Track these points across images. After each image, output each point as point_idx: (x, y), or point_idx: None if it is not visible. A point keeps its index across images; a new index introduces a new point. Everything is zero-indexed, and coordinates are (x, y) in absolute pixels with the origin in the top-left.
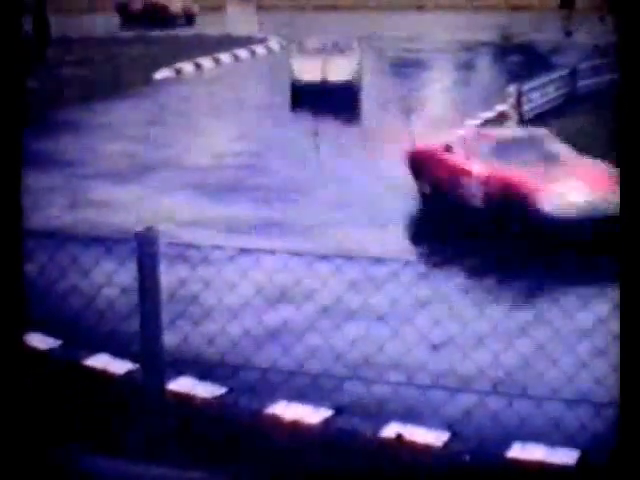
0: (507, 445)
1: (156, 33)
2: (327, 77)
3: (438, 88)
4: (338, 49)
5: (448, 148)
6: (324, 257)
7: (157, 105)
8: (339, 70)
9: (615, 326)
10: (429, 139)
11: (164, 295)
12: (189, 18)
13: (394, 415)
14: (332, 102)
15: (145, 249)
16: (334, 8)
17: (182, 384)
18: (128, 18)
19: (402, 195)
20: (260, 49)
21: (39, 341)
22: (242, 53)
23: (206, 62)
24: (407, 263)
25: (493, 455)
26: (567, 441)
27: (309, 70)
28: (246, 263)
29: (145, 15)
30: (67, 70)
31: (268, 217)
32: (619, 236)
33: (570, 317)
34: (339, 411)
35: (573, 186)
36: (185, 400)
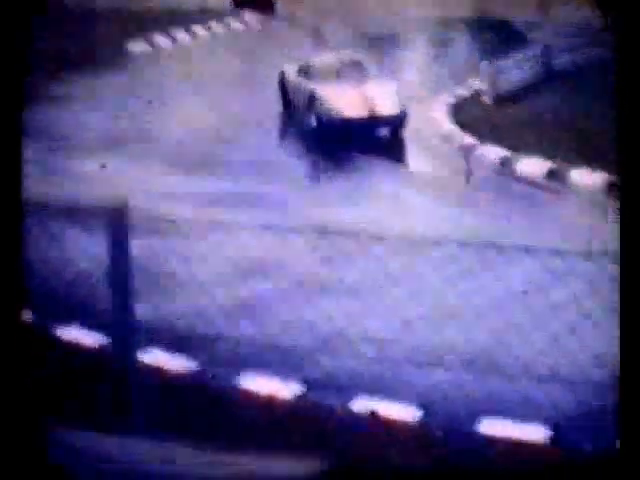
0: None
1: (129, 6)
2: (375, 110)
3: (413, 64)
4: (360, 70)
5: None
6: (297, 231)
7: (131, 78)
8: (386, 100)
9: None
10: None
11: (136, 268)
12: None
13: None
14: (378, 142)
15: (117, 221)
16: None
17: (154, 356)
18: None
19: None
20: (235, 22)
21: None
22: (217, 26)
23: (180, 35)
24: (380, 239)
25: (465, 431)
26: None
27: (348, 102)
28: (219, 236)
29: None
30: (41, 43)
31: (242, 191)
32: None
33: None
34: (310, 385)
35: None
36: (157, 372)
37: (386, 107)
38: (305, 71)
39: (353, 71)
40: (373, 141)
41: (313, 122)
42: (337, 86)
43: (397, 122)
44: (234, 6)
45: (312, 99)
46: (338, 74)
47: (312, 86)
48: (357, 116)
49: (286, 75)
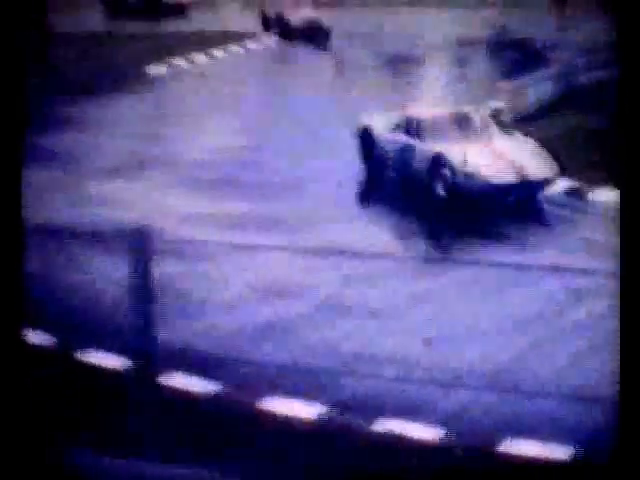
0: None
1: (150, 29)
2: (526, 174)
3: (433, 84)
4: (470, 125)
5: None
6: (319, 253)
7: (154, 102)
8: (532, 160)
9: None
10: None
11: (159, 290)
12: (180, 9)
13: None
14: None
15: (140, 244)
16: (326, 5)
17: (176, 379)
18: (118, 9)
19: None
20: (254, 45)
21: (33, 336)
22: (236, 49)
23: (201, 58)
24: (400, 259)
25: (486, 449)
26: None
27: (492, 164)
28: (241, 259)
29: (137, 6)
30: (65, 67)
31: (263, 213)
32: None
33: None
34: (334, 406)
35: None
36: (179, 395)
37: (535, 169)
38: (406, 126)
39: (464, 126)
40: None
41: (441, 190)
42: (468, 146)
43: (542, 185)
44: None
45: (438, 161)
46: (449, 130)
47: (434, 146)
48: (506, 181)
49: (374, 130)
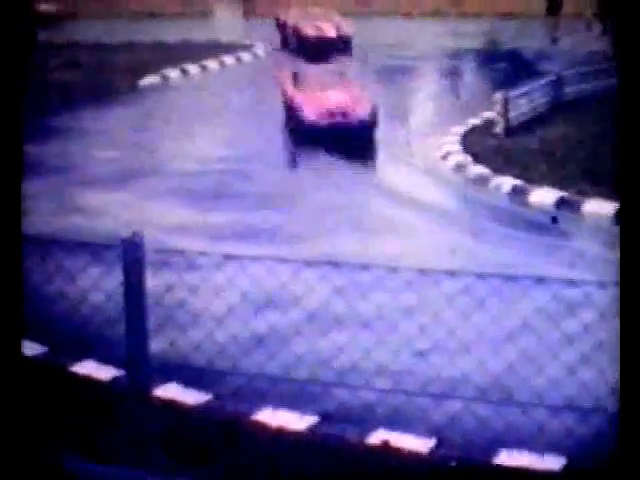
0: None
1: (142, 38)
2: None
3: (425, 95)
4: (342, 79)
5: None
6: (310, 263)
7: (143, 111)
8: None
9: None
10: None
11: (150, 301)
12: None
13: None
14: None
15: (131, 255)
16: None
17: (168, 390)
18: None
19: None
20: (246, 55)
21: (25, 347)
22: (228, 59)
23: (192, 68)
24: (393, 270)
25: (480, 461)
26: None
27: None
28: (233, 269)
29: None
30: (53, 76)
31: (254, 224)
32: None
33: None
34: (325, 417)
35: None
36: (171, 406)
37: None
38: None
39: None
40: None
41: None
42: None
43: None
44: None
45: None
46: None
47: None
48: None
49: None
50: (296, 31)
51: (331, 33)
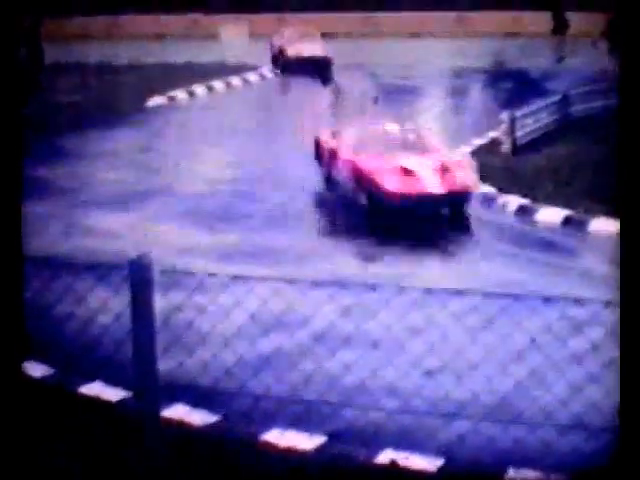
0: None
1: (149, 60)
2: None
3: (431, 115)
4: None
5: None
6: (317, 284)
7: (151, 133)
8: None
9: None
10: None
11: (158, 322)
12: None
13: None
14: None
15: (139, 276)
16: (327, 35)
17: (176, 411)
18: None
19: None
20: (253, 76)
21: (33, 369)
22: (235, 81)
23: (199, 89)
24: (400, 290)
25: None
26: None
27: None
28: (240, 290)
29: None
30: (61, 97)
31: (261, 244)
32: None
33: None
34: (333, 437)
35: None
36: (179, 427)
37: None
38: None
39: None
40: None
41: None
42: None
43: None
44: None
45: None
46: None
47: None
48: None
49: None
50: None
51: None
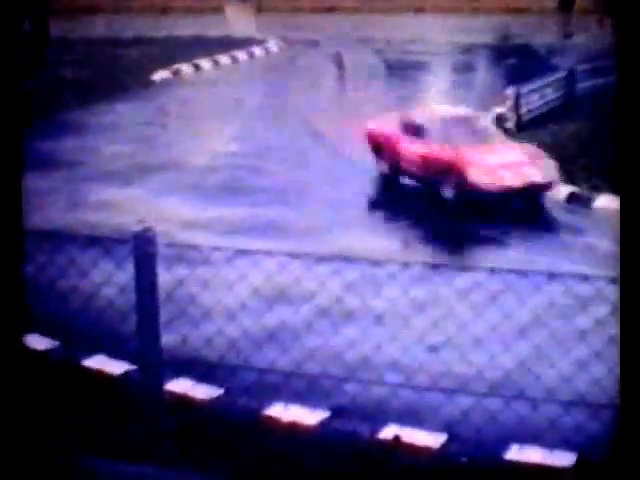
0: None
1: (155, 34)
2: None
3: (437, 90)
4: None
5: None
6: (322, 259)
7: (156, 107)
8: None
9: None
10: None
11: (162, 296)
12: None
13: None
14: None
15: (143, 249)
16: (332, 10)
17: (180, 385)
18: None
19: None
20: (259, 51)
21: (37, 342)
22: (241, 55)
23: (205, 63)
24: (405, 265)
25: (491, 456)
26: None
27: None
28: (244, 264)
29: None
30: (66, 71)
31: (266, 219)
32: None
33: None
34: (337, 412)
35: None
36: (183, 401)
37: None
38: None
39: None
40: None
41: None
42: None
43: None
44: None
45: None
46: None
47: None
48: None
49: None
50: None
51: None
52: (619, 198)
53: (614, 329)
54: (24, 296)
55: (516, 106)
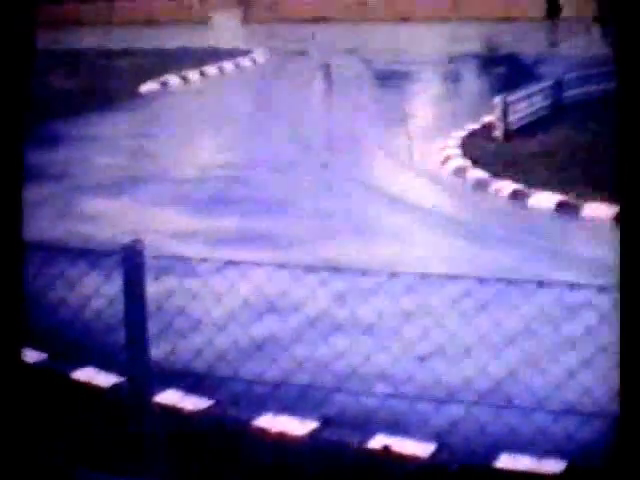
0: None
1: (142, 45)
2: None
3: (424, 100)
4: None
5: None
6: (311, 269)
7: (144, 118)
8: None
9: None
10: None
11: (151, 307)
12: None
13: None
14: None
15: (131, 261)
16: (320, 20)
17: (169, 396)
18: None
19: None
20: (246, 61)
21: (25, 354)
22: (228, 65)
23: (192, 75)
24: (394, 275)
25: (480, 465)
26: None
27: None
28: (233, 275)
29: None
30: (55, 83)
31: (254, 229)
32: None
33: None
34: (326, 422)
35: None
36: (172, 412)
37: None
38: None
39: None
40: None
41: None
42: None
43: None
44: None
45: None
46: None
47: None
48: None
49: None
50: None
51: None
52: (619, 205)
53: (604, 338)
54: (24, 309)
55: (504, 115)
